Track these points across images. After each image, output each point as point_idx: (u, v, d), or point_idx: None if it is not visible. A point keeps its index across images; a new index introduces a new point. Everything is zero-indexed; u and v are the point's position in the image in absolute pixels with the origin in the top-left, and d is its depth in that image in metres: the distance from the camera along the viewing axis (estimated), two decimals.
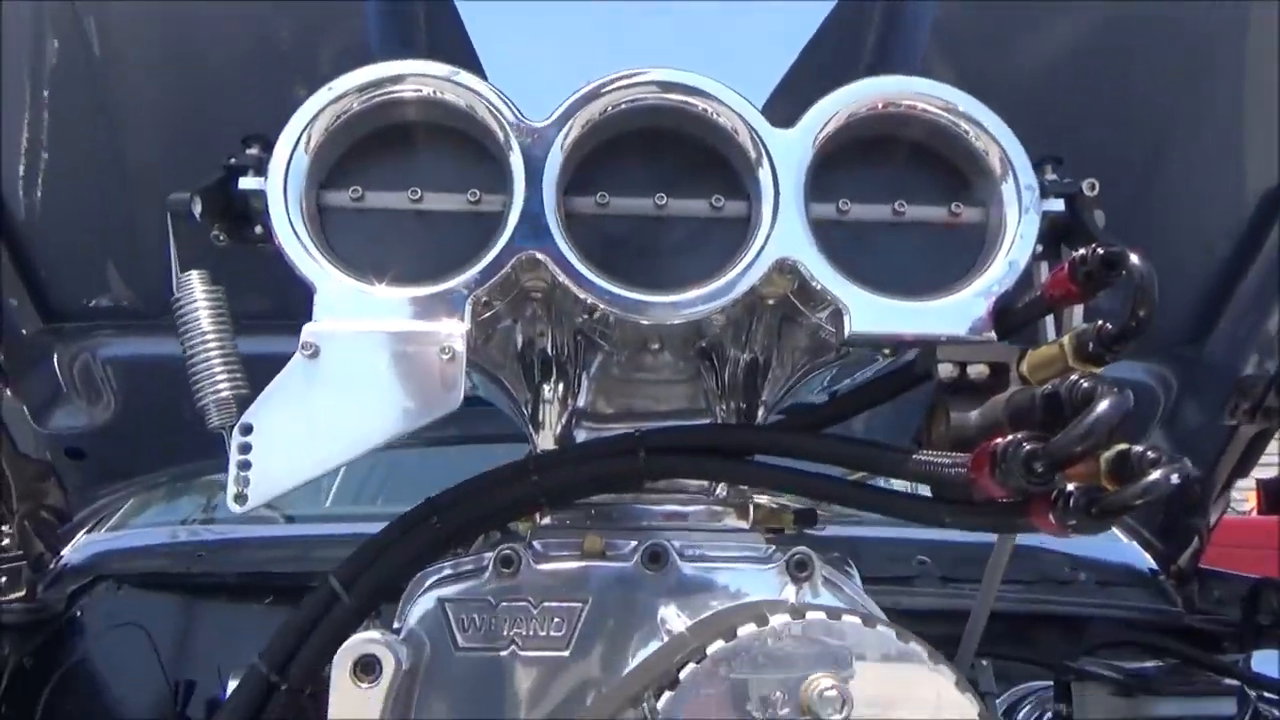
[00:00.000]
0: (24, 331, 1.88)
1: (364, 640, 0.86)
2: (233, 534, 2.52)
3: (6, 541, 2.34)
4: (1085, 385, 0.75)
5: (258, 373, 0.98)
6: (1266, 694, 1.83)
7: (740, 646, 0.79)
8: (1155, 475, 0.71)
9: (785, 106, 1.23)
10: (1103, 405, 0.72)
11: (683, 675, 0.79)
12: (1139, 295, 0.79)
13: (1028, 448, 0.74)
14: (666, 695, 0.79)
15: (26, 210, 1.73)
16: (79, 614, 2.29)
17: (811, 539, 1.17)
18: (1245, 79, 1.59)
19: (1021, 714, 1.82)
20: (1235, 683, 1.58)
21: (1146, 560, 2.42)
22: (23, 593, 2.18)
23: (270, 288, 1.00)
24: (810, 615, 0.80)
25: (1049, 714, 1.76)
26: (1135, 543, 2.50)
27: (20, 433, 2.05)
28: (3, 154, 1.65)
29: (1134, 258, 0.81)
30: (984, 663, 1.55)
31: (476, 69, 1.44)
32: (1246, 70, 1.58)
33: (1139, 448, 0.74)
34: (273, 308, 1.11)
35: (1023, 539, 2.58)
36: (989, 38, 1.49)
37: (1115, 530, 2.60)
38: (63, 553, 2.33)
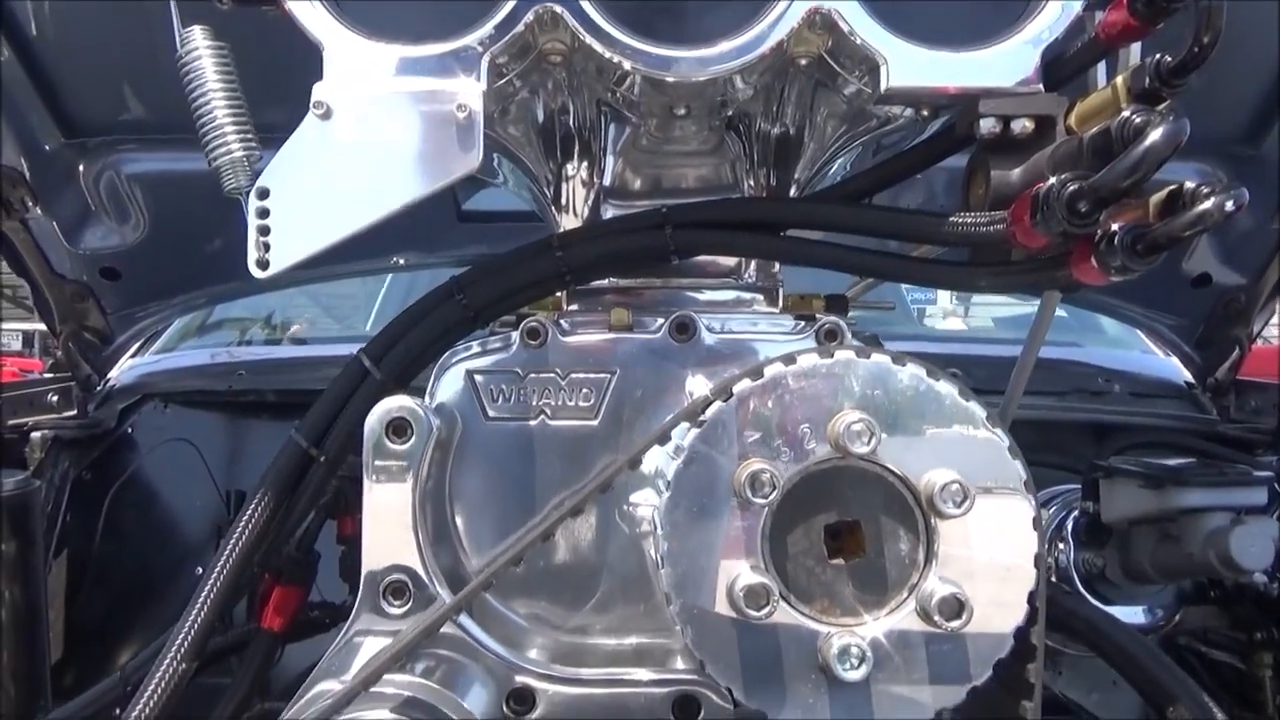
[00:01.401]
0: (46, 147, 1.87)
1: (395, 401, 0.87)
2: (271, 354, 2.62)
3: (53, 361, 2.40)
4: (1138, 120, 0.70)
5: None
6: None
7: (768, 383, 0.79)
8: (1207, 205, 0.67)
9: None
10: (1155, 134, 0.67)
11: (709, 412, 0.79)
12: (1204, 17, 0.73)
13: (1072, 187, 0.70)
14: (693, 432, 0.79)
15: (39, 23, 1.69)
16: (130, 431, 2.37)
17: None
18: None
19: (1049, 513, 1.85)
20: (1268, 474, 1.57)
21: (1183, 373, 2.42)
22: (74, 410, 2.25)
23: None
24: (839, 354, 0.79)
25: (1076, 512, 1.78)
26: (1174, 356, 2.48)
27: (56, 253, 2.07)
28: None
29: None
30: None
31: None
32: None
33: (1190, 183, 0.70)
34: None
35: (1054, 351, 2.58)
36: None
37: (1150, 343, 2.57)
38: (109, 374, 2.38)
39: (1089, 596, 1.74)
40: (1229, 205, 0.67)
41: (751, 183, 1.09)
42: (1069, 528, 1.77)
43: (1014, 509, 0.83)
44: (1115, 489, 1.66)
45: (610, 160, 1.08)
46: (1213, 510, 1.49)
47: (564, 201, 1.11)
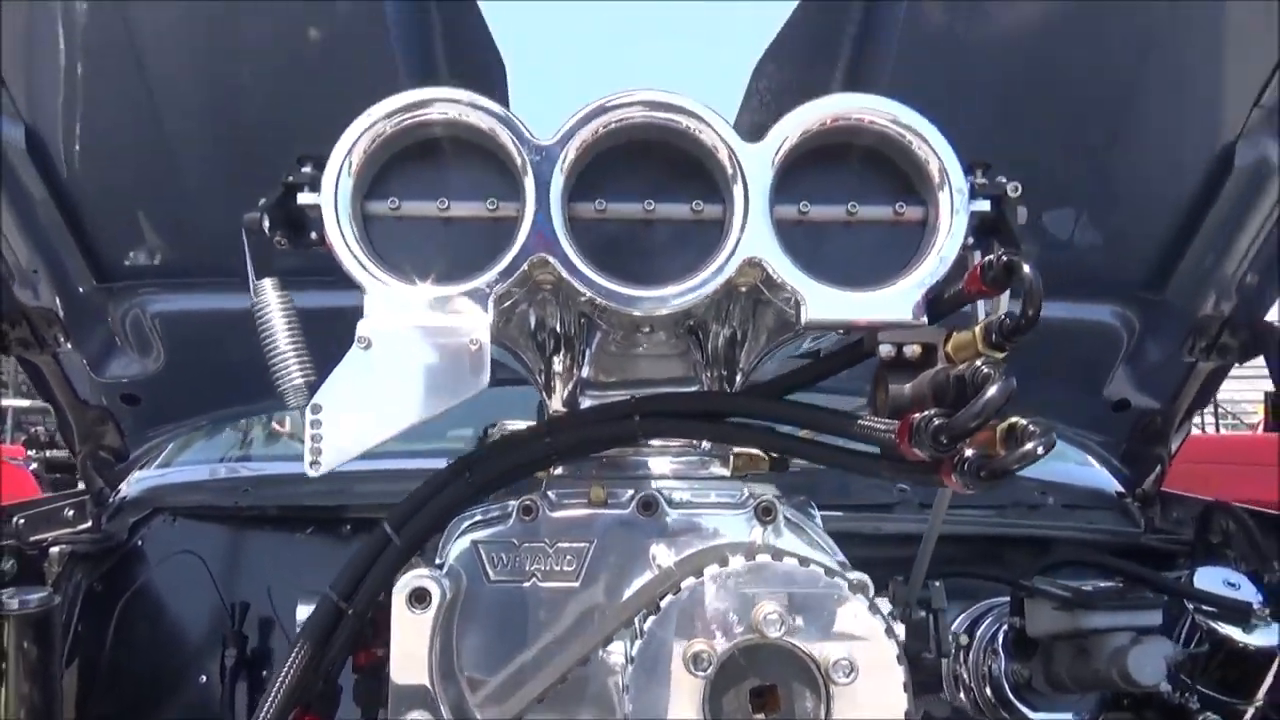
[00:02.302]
0: (80, 290, 2.06)
1: (417, 575, 1.08)
2: (272, 470, 2.73)
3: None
4: (983, 371, 0.94)
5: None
6: (1203, 606, 2.06)
7: (707, 581, 1.02)
8: (1028, 446, 0.90)
9: (759, 102, 1.39)
10: (992, 390, 0.91)
11: (663, 603, 1.02)
12: (1028, 298, 0.97)
13: (935, 423, 0.93)
14: (651, 618, 1.01)
15: (77, 179, 1.88)
16: (140, 543, 2.50)
17: (801, 473, 1.37)
18: (1196, 50, 1.73)
19: (983, 626, 2.03)
20: (1163, 596, 1.78)
21: (1114, 485, 2.63)
22: (89, 524, 2.38)
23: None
24: (759, 558, 1.03)
25: (1005, 626, 1.98)
26: (1105, 469, 2.70)
27: (80, 382, 2.25)
28: (57, 128, 1.81)
29: (1026, 267, 0.98)
30: (937, 584, 1.76)
31: (498, 64, 1.59)
32: (1196, 42, 1.71)
33: (1024, 421, 0.93)
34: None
35: None
36: (960, 32, 1.63)
37: (1088, 457, 2.80)
38: (120, 488, 2.54)
39: (1018, 704, 1.94)
40: (1040, 450, 0.91)
41: (707, 374, 1.33)
42: (1000, 641, 1.97)
43: (889, 678, 1.09)
44: (1037, 607, 1.86)
45: (590, 357, 1.31)
46: (1115, 631, 1.70)
47: (552, 386, 1.34)
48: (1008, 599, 2.01)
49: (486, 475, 1.19)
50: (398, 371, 1.04)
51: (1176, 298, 2.11)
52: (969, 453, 0.94)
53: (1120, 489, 2.61)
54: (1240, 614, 1.98)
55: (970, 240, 1.13)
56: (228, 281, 2.08)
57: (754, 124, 1.19)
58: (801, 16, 1.69)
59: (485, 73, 1.73)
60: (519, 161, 1.10)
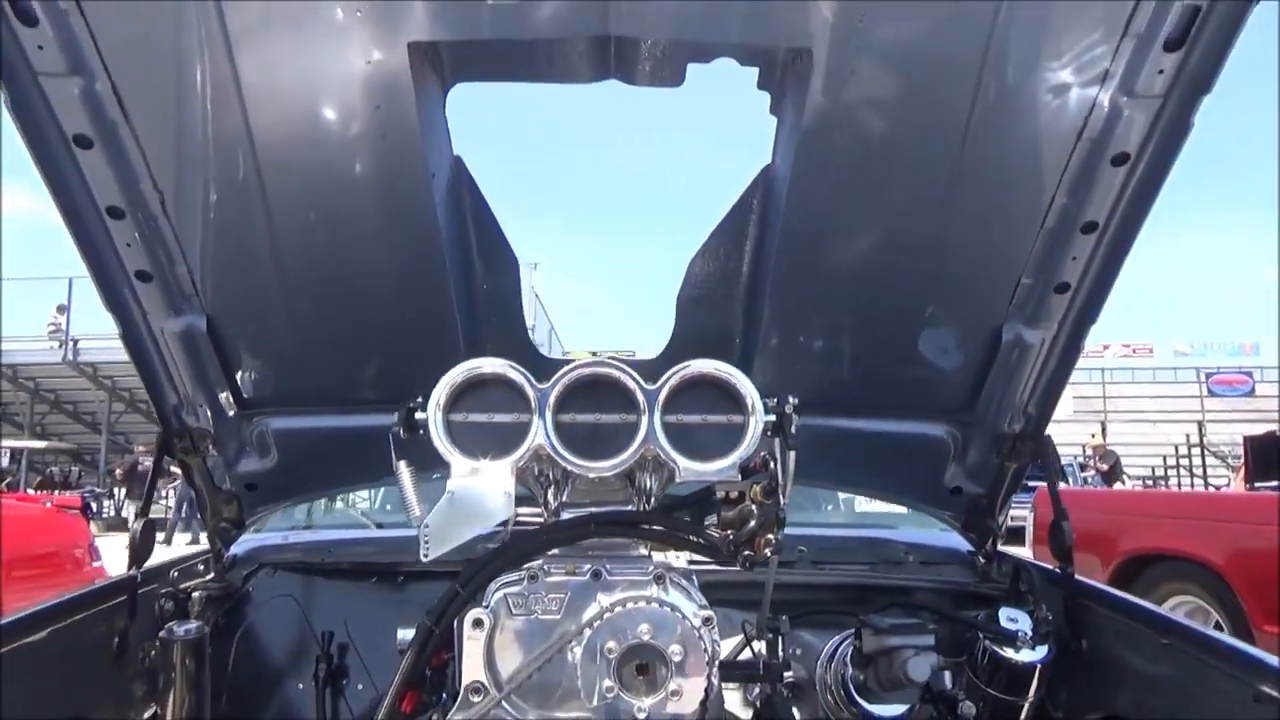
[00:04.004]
0: (226, 414, 2.82)
1: (476, 611, 2.05)
2: (346, 535, 3.56)
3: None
4: (753, 511, 1.92)
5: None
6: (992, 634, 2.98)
7: (620, 613, 1.98)
8: (767, 551, 1.88)
9: (711, 255, 2.41)
10: (752, 523, 1.89)
11: (597, 623, 1.97)
12: (784, 474, 1.96)
13: (730, 535, 1.91)
14: (590, 629, 1.96)
15: (229, 328, 2.63)
16: (250, 589, 3.18)
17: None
18: (971, 264, 2.64)
19: (841, 646, 2.94)
20: (933, 626, 2.73)
21: (965, 545, 3.28)
22: (213, 575, 3.08)
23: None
24: (644, 604, 1.99)
25: (853, 646, 2.92)
26: (958, 534, 3.60)
27: (217, 474, 2.99)
28: (225, 318, 2.66)
29: (772, 464, 1.97)
30: (784, 618, 2.60)
31: (514, 267, 2.61)
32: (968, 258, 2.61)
33: (773, 536, 1.92)
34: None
35: (874, 532, 3.73)
36: (823, 268, 2.60)
37: (948, 524, 3.68)
38: (232, 548, 3.19)
39: (858, 699, 2.88)
40: (769, 552, 1.89)
41: (635, 500, 2.31)
42: (848, 656, 2.92)
43: (701, 663, 1.98)
44: (867, 634, 2.81)
45: (568, 487, 2.28)
46: (904, 648, 2.66)
47: (547, 505, 2.31)
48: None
49: (510, 559, 2.16)
50: (467, 506, 2.03)
51: (983, 419, 2.88)
52: (747, 551, 1.92)
53: (971, 549, 3.29)
54: (1010, 640, 2.90)
55: (767, 433, 2.12)
56: (322, 408, 3.00)
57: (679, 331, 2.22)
58: (717, 242, 2.68)
59: (508, 272, 2.73)
60: (530, 394, 2.09)
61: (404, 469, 2.10)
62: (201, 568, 3.18)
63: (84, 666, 2.53)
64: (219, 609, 3.04)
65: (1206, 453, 28.46)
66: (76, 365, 31.31)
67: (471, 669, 2.03)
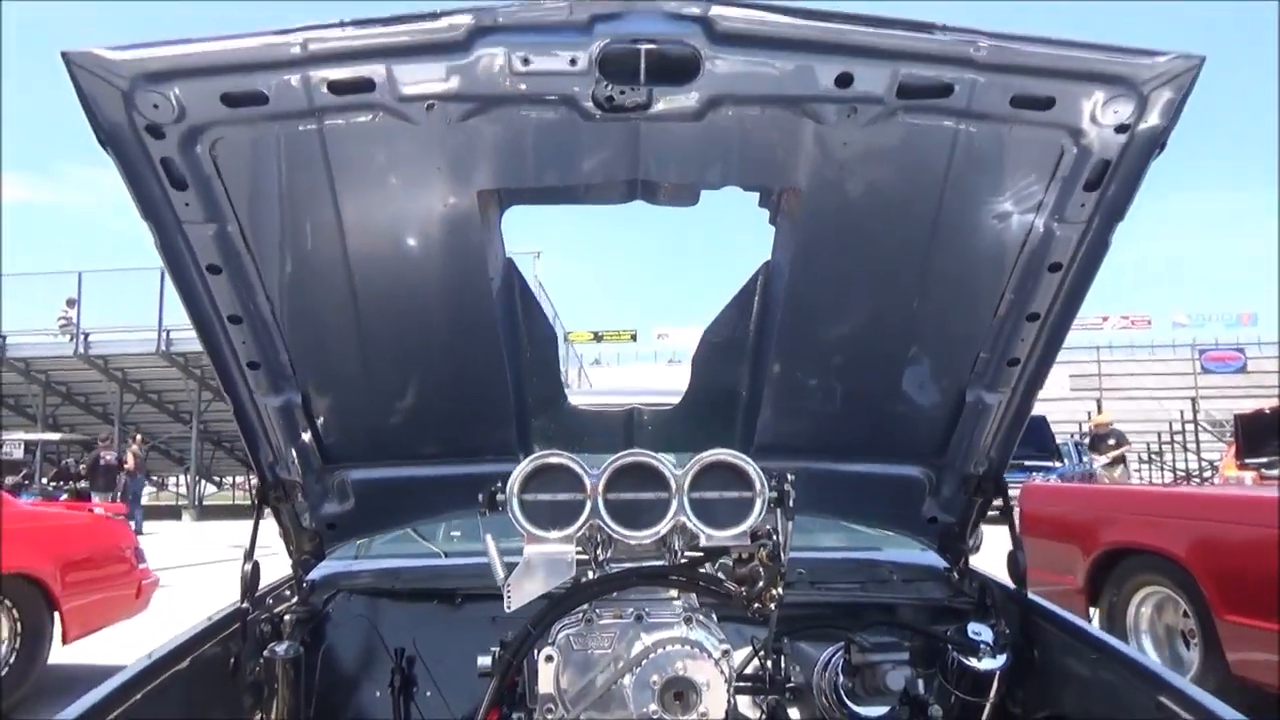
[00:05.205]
0: (313, 467, 3.21)
1: (547, 646, 2.62)
2: (417, 564, 3.88)
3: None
4: (760, 572, 2.49)
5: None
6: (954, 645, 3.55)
7: (659, 651, 2.54)
8: (771, 606, 2.45)
9: (720, 328, 3.04)
10: (760, 583, 2.46)
11: (643, 660, 2.53)
12: (783, 543, 2.53)
13: (744, 590, 2.49)
14: (640, 665, 2.54)
15: (319, 402, 3.05)
16: (329, 612, 3.52)
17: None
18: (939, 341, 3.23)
19: (835, 657, 3.49)
20: (907, 644, 3.31)
21: (942, 564, 3.59)
22: (297, 599, 3.39)
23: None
24: (679, 646, 2.56)
25: (844, 657, 3.49)
26: (936, 554, 4.16)
27: (303, 517, 3.35)
28: (316, 395, 3.33)
29: (775, 534, 2.54)
30: (785, 639, 3.08)
31: (550, 336, 3.31)
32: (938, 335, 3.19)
33: (777, 591, 2.49)
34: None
35: (862, 554, 4.32)
36: (821, 337, 3.05)
37: (926, 545, 4.25)
38: (312, 575, 3.51)
39: (849, 703, 3.45)
40: (772, 605, 2.46)
41: (667, 556, 2.86)
42: (839, 665, 3.49)
43: (720, 688, 2.50)
44: (854, 650, 3.38)
45: (611, 551, 2.83)
46: (883, 660, 3.24)
47: (597, 560, 2.87)
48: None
49: (568, 606, 2.73)
50: (538, 570, 2.61)
51: (952, 462, 3.29)
52: (756, 605, 2.50)
53: (947, 566, 3.64)
54: (974, 650, 3.48)
55: (772, 507, 2.69)
56: (392, 461, 3.52)
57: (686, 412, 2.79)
58: (727, 316, 3.26)
59: (548, 343, 3.32)
60: (585, 480, 2.66)
61: (490, 540, 2.67)
62: (288, 593, 3.55)
63: (211, 684, 2.97)
64: (305, 629, 3.37)
65: (1202, 428, 29.11)
66: (88, 358, 31.85)
67: (544, 688, 2.60)
